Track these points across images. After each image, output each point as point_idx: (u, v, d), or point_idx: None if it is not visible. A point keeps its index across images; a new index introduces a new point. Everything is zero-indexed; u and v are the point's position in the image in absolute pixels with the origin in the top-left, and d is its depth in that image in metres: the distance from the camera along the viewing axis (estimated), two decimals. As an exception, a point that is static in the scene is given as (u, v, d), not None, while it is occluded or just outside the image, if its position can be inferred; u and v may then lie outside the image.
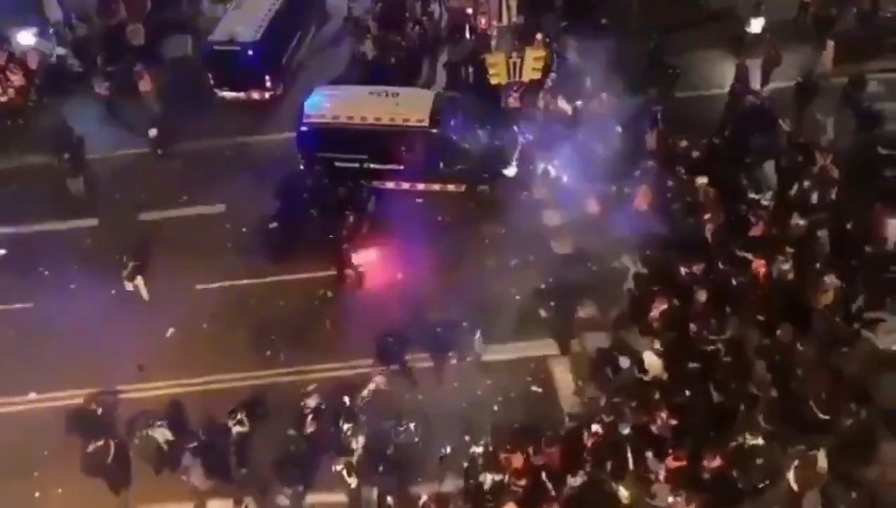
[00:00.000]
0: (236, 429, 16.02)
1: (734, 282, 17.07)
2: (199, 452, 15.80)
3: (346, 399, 16.18)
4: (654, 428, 15.14)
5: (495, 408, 16.86)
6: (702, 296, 16.54)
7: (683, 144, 19.90)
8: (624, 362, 16.41)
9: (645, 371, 16.22)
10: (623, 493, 14.69)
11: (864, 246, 17.54)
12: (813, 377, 15.48)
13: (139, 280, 19.14)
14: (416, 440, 15.89)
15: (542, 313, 18.02)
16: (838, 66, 22.31)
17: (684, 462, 14.42)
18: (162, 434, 16.16)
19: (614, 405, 15.66)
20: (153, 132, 22.48)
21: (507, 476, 14.84)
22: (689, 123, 20.81)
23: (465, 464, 15.41)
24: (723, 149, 20.11)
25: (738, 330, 16.41)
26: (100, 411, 16.81)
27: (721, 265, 17.34)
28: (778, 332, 16.04)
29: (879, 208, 17.69)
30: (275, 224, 19.83)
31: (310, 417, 15.92)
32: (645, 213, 18.65)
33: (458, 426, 16.29)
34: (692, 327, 16.39)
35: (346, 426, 15.62)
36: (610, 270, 18.34)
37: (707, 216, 18.15)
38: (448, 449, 15.88)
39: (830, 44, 22.56)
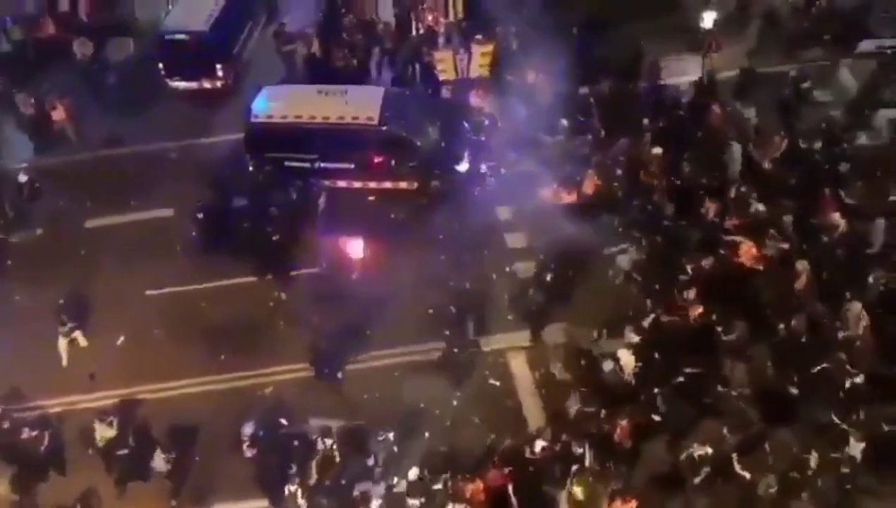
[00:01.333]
0: (105, 433, 15.96)
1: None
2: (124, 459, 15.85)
3: (284, 422, 16.19)
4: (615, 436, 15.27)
5: (454, 403, 16.91)
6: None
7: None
8: (607, 365, 16.35)
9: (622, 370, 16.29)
10: (577, 490, 14.79)
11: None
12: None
13: (77, 335, 18.24)
14: (395, 448, 15.83)
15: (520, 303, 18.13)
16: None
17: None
18: (104, 431, 16.01)
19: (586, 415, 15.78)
20: (23, 177, 21.08)
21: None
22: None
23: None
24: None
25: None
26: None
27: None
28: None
29: (827, 194, 18.06)
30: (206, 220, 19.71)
31: (246, 444, 15.79)
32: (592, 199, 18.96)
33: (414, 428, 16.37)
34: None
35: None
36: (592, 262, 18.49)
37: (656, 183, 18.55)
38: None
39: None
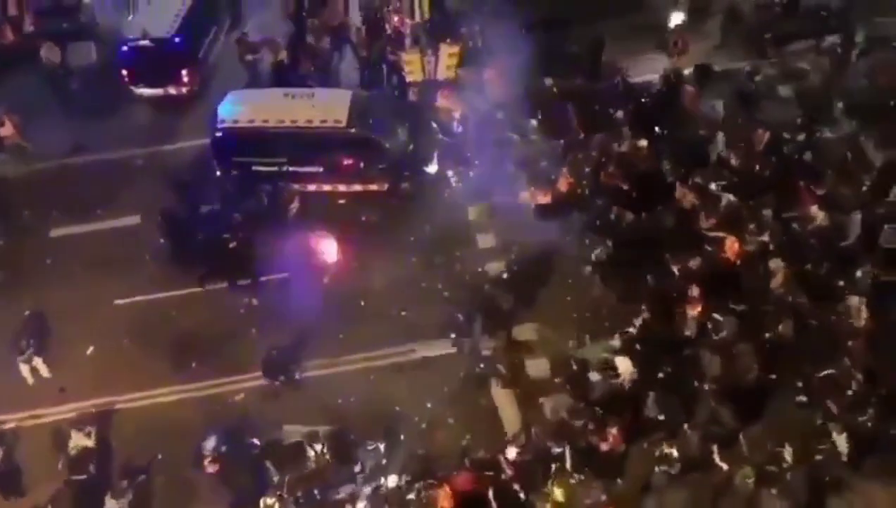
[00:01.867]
0: (81, 442, 15.83)
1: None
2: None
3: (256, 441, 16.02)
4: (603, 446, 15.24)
5: (428, 405, 16.91)
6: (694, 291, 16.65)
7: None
8: (595, 375, 16.27)
9: (617, 376, 16.26)
10: (557, 493, 14.85)
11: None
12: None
13: (36, 362, 17.80)
14: (384, 461, 15.77)
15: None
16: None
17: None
18: (80, 441, 15.85)
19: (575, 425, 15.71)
20: None
21: None
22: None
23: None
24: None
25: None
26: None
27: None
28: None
29: (803, 187, 18.28)
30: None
31: (208, 460, 15.61)
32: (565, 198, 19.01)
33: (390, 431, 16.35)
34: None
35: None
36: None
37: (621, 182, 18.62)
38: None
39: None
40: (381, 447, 15.88)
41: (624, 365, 16.19)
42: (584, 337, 17.37)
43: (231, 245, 18.93)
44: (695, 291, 16.56)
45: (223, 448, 15.66)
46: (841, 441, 14.85)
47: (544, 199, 19.23)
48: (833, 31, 22.43)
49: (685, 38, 22.18)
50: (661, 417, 15.58)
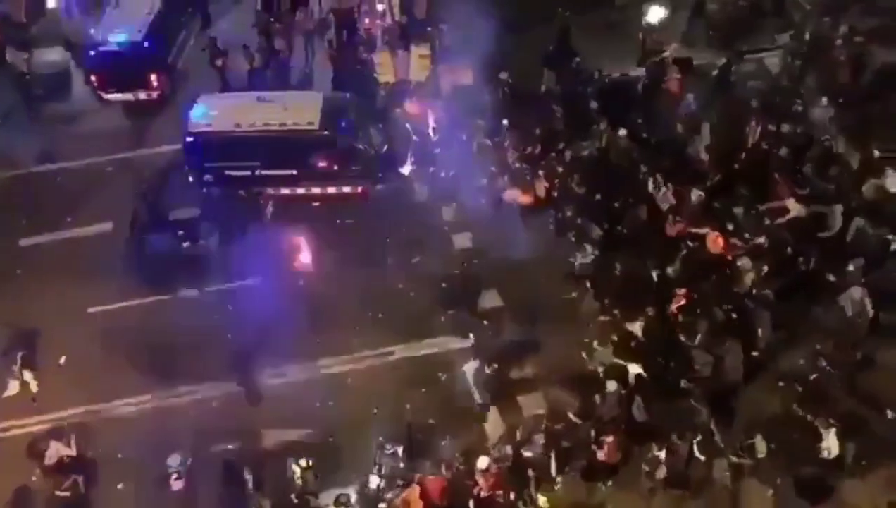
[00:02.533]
0: (62, 451, 15.70)
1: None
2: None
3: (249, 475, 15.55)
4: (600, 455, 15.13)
5: (408, 406, 16.85)
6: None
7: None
8: (611, 385, 15.87)
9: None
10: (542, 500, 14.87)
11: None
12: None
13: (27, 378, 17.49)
14: (402, 465, 15.63)
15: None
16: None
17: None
18: (62, 449, 15.73)
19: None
20: None
21: None
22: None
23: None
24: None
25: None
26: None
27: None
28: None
29: (779, 181, 18.38)
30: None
31: (173, 477, 15.44)
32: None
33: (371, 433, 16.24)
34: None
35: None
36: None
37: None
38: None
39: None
40: (399, 450, 15.70)
41: (634, 371, 16.07)
42: (591, 343, 17.03)
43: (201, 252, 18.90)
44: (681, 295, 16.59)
45: (188, 463, 15.49)
46: (831, 440, 14.67)
47: (522, 200, 19.25)
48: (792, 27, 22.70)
49: (656, 35, 22.29)
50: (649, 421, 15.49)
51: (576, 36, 22.46)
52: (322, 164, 20.04)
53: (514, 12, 23.11)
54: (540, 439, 15.44)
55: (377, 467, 15.47)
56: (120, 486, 15.90)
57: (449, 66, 22.20)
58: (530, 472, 15.02)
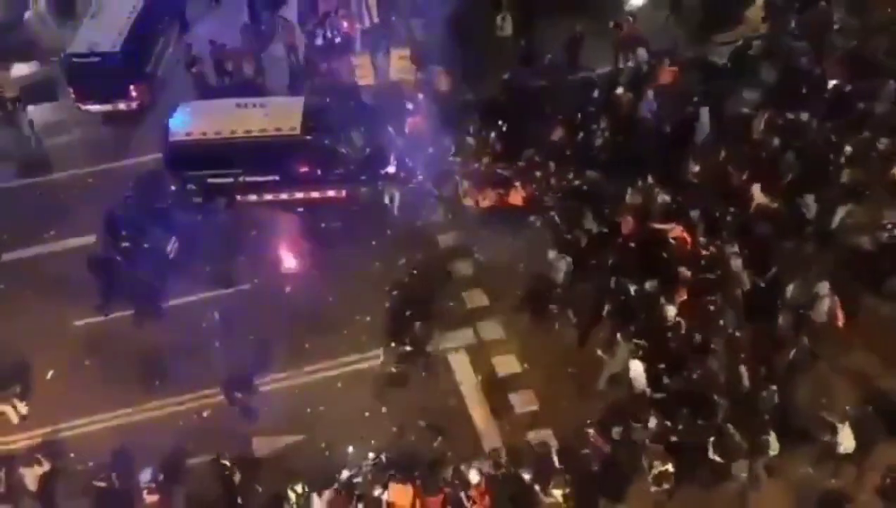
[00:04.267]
0: (39, 471, 15.61)
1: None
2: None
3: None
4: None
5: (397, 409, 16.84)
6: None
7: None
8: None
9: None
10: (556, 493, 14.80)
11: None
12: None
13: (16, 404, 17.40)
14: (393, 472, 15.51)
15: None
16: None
17: None
18: (36, 470, 15.61)
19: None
20: None
21: None
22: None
23: None
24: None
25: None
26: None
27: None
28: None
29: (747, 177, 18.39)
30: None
31: (146, 491, 15.31)
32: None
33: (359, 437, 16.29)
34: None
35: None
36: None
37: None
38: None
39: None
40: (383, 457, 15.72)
41: (637, 367, 16.00)
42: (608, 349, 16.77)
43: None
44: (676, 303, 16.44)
45: (160, 478, 15.41)
46: (845, 435, 14.65)
47: (506, 202, 19.30)
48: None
49: (633, 30, 22.34)
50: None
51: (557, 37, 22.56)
52: (305, 169, 19.99)
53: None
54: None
55: (364, 470, 15.49)
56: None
57: (428, 67, 22.14)
58: (528, 478, 15.02)
